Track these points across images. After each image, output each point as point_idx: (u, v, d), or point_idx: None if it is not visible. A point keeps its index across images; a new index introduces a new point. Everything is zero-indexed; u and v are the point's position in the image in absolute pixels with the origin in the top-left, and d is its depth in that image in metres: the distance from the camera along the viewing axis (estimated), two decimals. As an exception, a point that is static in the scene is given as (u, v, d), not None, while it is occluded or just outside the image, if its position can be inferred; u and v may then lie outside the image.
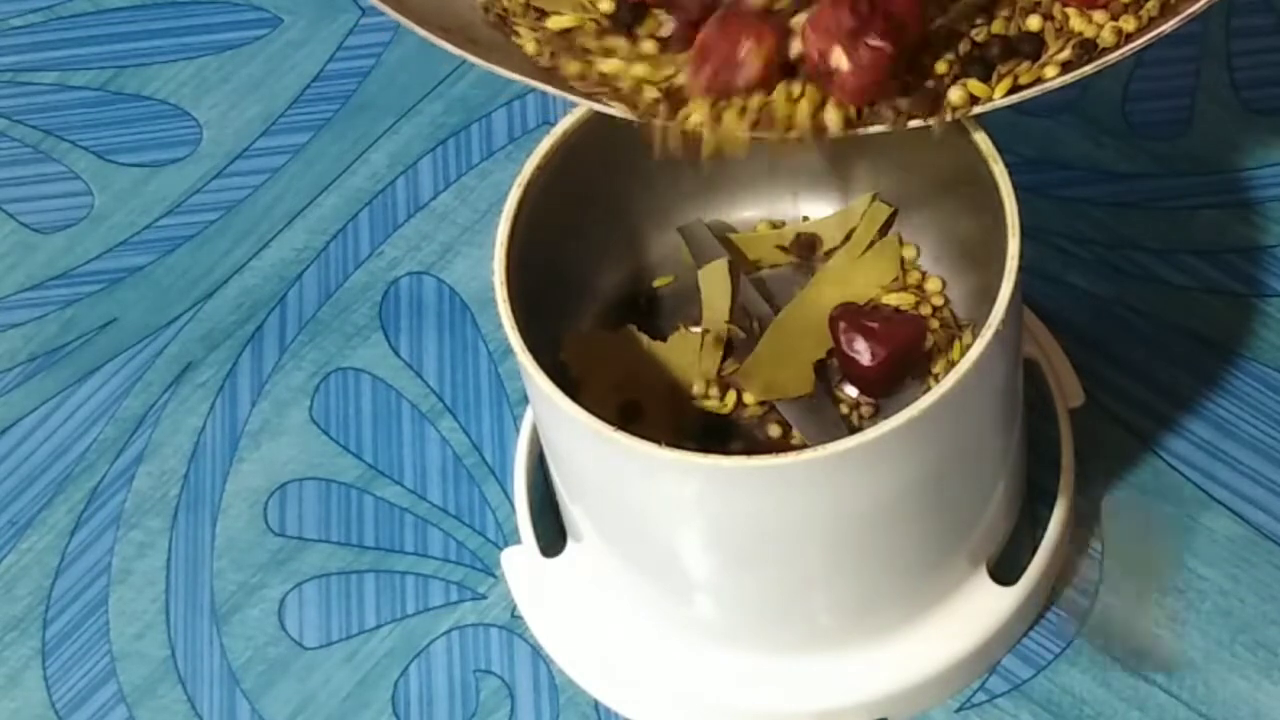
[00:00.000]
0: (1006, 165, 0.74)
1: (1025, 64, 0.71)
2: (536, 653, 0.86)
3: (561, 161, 0.77)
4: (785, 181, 0.83)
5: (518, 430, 0.90)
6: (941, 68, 0.71)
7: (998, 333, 0.71)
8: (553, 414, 0.73)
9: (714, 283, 0.81)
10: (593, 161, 0.78)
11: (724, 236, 0.83)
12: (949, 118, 0.71)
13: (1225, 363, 0.90)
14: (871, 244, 0.81)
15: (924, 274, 0.81)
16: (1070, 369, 0.88)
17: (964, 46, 0.71)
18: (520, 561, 0.86)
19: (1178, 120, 0.97)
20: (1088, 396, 0.88)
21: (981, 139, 0.74)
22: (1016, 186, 0.74)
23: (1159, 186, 0.95)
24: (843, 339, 0.78)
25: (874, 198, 0.82)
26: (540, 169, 0.77)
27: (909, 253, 0.81)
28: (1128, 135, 0.96)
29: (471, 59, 0.73)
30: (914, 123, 0.71)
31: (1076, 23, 0.72)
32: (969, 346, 0.71)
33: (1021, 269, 0.72)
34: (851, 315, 0.78)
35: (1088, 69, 0.71)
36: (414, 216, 0.98)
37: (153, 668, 0.88)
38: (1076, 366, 0.88)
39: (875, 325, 0.78)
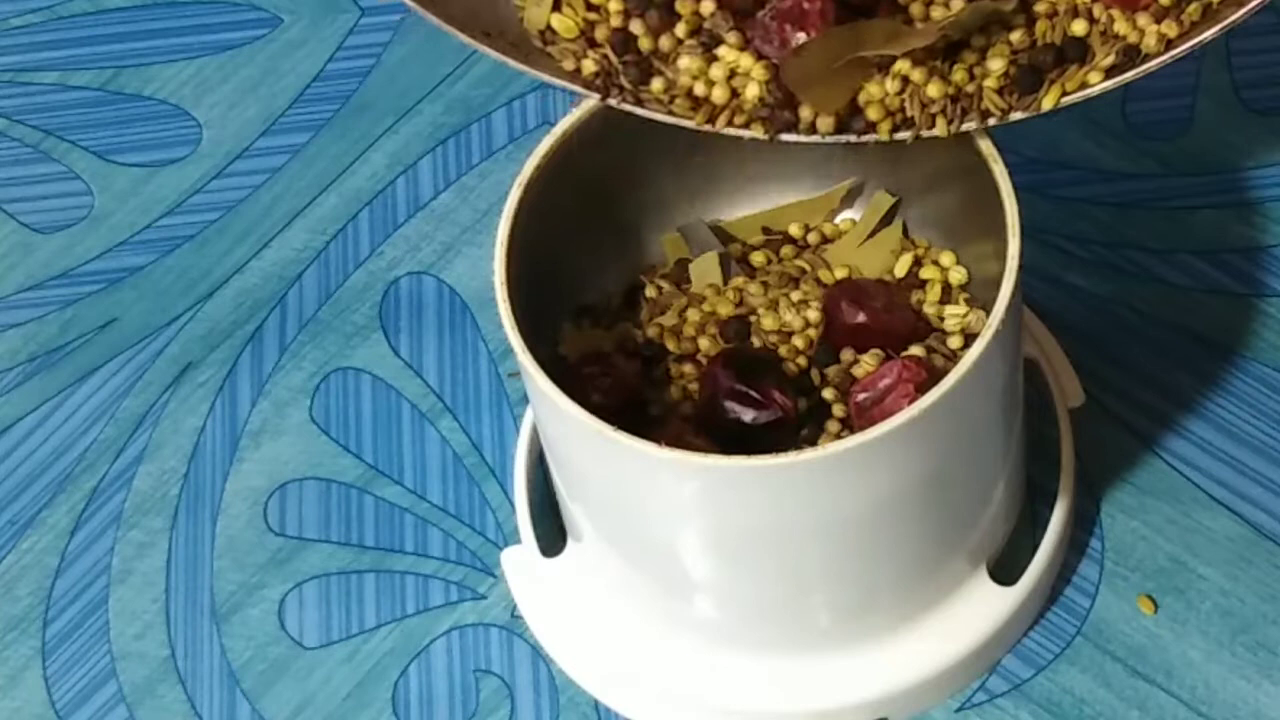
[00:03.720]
0: (1006, 165, 0.74)
1: (1071, 68, 0.72)
2: (536, 653, 0.86)
3: (561, 161, 0.77)
4: (785, 182, 0.83)
5: (518, 430, 0.90)
6: (990, 82, 0.72)
7: (997, 333, 0.71)
8: (553, 414, 0.73)
9: (705, 275, 0.81)
10: (592, 161, 0.78)
11: (717, 226, 0.83)
12: (994, 122, 0.72)
13: (1225, 363, 0.90)
14: (873, 233, 0.82)
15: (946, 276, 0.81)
16: (1070, 369, 0.88)
17: (1013, 55, 0.72)
18: (520, 561, 0.86)
19: (1178, 120, 0.97)
20: (1088, 396, 0.88)
21: (981, 139, 0.74)
22: (1016, 187, 0.74)
23: (1159, 186, 0.95)
24: (839, 297, 0.78)
25: (852, 185, 0.82)
26: (540, 169, 0.77)
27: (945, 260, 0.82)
28: (1128, 135, 0.96)
29: (513, 64, 0.73)
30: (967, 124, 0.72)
31: (1121, 26, 0.72)
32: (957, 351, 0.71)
33: (1021, 269, 0.72)
34: (854, 284, 0.79)
35: (1129, 75, 0.72)
36: (414, 216, 0.98)
37: (153, 668, 0.88)
38: (1076, 366, 0.88)
39: (874, 298, 0.78)
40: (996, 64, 0.72)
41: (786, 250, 0.82)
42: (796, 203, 0.83)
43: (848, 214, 0.83)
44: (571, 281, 0.81)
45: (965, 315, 0.79)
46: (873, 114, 0.72)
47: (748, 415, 0.75)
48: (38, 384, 0.95)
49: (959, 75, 0.72)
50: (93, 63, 1.05)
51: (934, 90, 0.72)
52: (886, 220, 0.82)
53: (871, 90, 0.72)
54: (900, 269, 0.80)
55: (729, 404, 0.75)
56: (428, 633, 0.87)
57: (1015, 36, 0.72)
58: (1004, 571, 0.82)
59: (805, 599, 0.79)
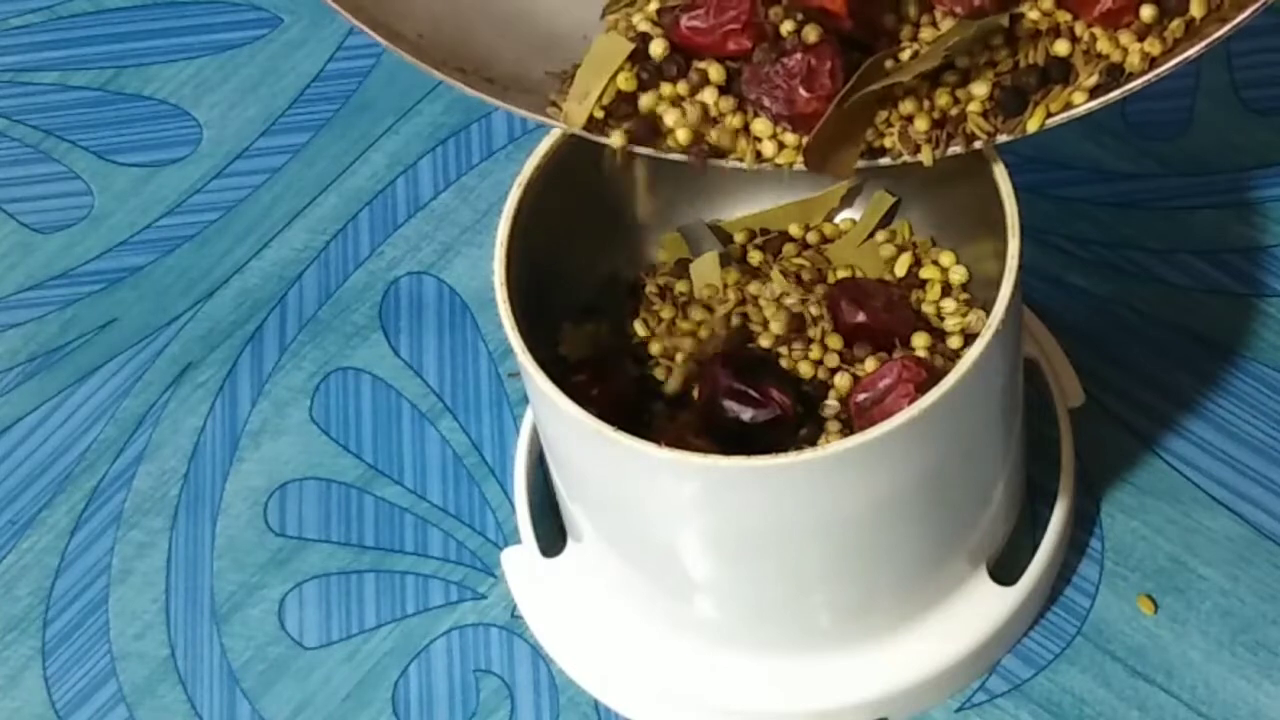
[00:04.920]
0: (1006, 165, 0.74)
1: (1055, 88, 0.72)
2: (536, 653, 0.86)
3: (561, 161, 0.77)
4: (784, 182, 0.83)
5: (518, 430, 0.90)
6: (974, 106, 0.72)
7: (997, 333, 0.71)
8: (553, 414, 0.73)
9: (705, 275, 0.81)
10: (593, 161, 0.78)
11: (717, 226, 0.83)
12: (981, 146, 0.72)
13: (1225, 363, 0.90)
14: (873, 233, 0.82)
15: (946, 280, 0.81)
16: (1070, 369, 0.88)
17: (995, 77, 0.72)
18: (520, 561, 0.86)
19: (1178, 120, 0.97)
20: (1088, 396, 0.88)
21: (981, 139, 0.74)
22: (1016, 187, 0.74)
23: (1159, 186, 0.95)
24: (839, 297, 0.78)
25: (851, 185, 0.82)
26: (540, 169, 0.77)
27: (945, 258, 0.82)
28: (1128, 135, 0.96)
29: (490, 100, 0.73)
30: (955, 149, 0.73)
31: (1104, 45, 0.72)
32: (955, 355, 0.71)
33: (1021, 269, 0.72)
34: (854, 284, 0.79)
35: (1114, 94, 0.71)
36: (414, 216, 0.98)
37: (153, 668, 0.88)
38: (1076, 366, 0.88)
39: (874, 298, 0.78)
40: (981, 89, 0.72)
41: (786, 250, 0.82)
42: (796, 203, 0.83)
43: (848, 214, 0.83)
44: (571, 281, 0.81)
45: (965, 315, 0.79)
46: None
47: (746, 414, 0.75)
48: (38, 384, 0.95)
49: (943, 99, 0.72)
50: (93, 63, 1.05)
51: (921, 123, 0.72)
52: (886, 220, 0.82)
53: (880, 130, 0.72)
54: (900, 269, 0.80)
55: (728, 403, 0.75)
56: (428, 633, 0.87)
57: (998, 58, 0.72)
58: (1004, 571, 0.82)
59: (805, 599, 0.79)
